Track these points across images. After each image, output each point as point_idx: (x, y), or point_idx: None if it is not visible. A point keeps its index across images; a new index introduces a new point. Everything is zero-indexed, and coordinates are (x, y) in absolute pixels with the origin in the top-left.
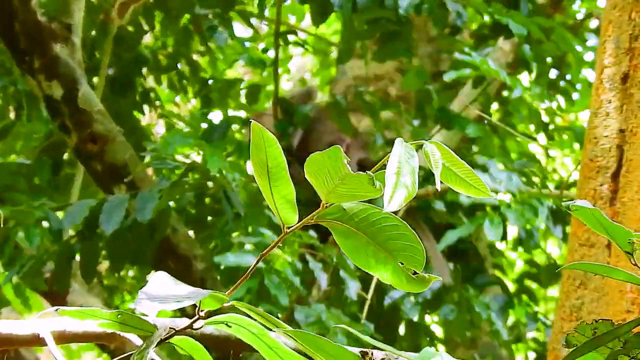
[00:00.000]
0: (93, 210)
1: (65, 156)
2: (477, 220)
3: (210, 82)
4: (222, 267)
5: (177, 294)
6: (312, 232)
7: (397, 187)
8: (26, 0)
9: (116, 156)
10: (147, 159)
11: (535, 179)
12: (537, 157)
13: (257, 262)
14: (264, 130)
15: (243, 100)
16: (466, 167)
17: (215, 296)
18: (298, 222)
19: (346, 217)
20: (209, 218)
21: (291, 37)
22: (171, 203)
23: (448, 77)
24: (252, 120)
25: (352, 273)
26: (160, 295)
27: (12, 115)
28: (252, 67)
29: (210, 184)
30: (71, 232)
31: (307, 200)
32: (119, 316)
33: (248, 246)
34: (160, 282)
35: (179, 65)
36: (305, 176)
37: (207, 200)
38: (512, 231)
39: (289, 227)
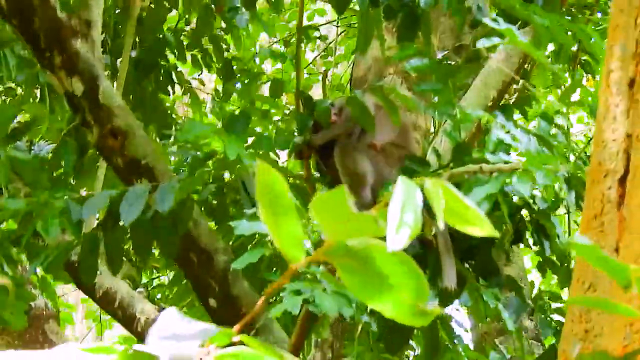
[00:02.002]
0: (113, 201)
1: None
2: (504, 177)
3: (233, 65)
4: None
5: (187, 333)
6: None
7: (400, 226)
8: None
9: (137, 150)
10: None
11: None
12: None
13: (265, 300)
14: (270, 169)
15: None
16: (469, 205)
17: (224, 333)
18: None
19: (351, 253)
20: (230, 210)
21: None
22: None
23: (481, 44)
24: (260, 161)
25: None
26: (170, 334)
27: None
28: (273, 60)
29: (228, 174)
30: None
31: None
32: (131, 352)
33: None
34: (169, 320)
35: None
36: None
37: (227, 191)
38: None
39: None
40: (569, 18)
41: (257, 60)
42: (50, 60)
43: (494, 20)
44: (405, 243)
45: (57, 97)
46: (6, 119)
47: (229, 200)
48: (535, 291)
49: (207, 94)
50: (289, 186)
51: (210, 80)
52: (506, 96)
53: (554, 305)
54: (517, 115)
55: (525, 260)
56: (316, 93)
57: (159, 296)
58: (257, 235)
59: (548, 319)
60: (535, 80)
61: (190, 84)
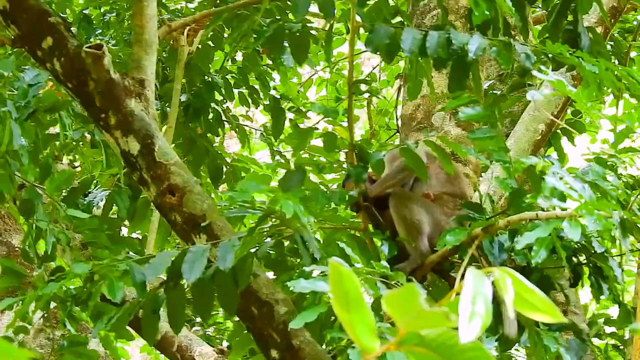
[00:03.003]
0: (176, 260)
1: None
2: (555, 222)
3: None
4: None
5: None
6: (384, 263)
7: (472, 317)
8: (99, 58)
9: (194, 206)
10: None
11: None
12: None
13: None
14: (341, 267)
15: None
16: (536, 292)
17: None
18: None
19: (424, 343)
20: (289, 259)
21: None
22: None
23: (531, 96)
24: (333, 262)
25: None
26: None
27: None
28: (326, 116)
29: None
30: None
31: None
32: None
33: (316, 273)
34: None
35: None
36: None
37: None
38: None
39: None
40: (612, 43)
41: (310, 112)
42: (106, 120)
43: (542, 71)
44: (478, 334)
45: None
46: (66, 180)
47: (286, 250)
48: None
49: (256, 129)
50: (347, 237)
51: (257, 114)
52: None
53: (608, 329)
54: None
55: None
56: (361, 118)
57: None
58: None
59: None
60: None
61: (237, 119)
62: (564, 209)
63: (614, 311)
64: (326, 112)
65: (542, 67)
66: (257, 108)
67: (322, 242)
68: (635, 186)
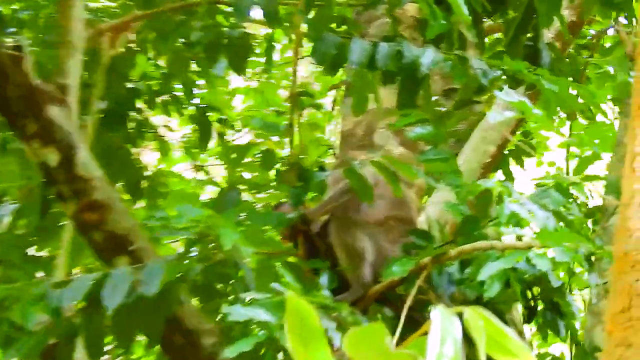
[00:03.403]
0: (95, 284)
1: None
2: (520, 252)
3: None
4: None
5: None
6: (326, 292)
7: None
8: (18, 61)
9: (117, 225)
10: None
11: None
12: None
13: None
14: (298, 299)
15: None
16: (509, 335)
17: None
18: None
19: None
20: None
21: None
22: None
23: (493, 118)
24: (290, 294)
25: None
26: None
27: None
28: (265, 131)
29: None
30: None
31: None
32: None
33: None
34: None
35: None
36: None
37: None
38: None
39: None
40: (567, 60)
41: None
42: (23, 128)
43: (501, 89)
44: None
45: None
46: None
47: (215, 276)
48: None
49: (177, 141)
50: (282, 265)
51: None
52: None
53: None
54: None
55: None
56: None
57: None
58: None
59: None
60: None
61: (156, 129)
62: (519, 238)
63: (555, 349)
64: (265, 127)
65: (503, 86)
66: (180, 117)
67: (255, 269)
68: (590, 215)
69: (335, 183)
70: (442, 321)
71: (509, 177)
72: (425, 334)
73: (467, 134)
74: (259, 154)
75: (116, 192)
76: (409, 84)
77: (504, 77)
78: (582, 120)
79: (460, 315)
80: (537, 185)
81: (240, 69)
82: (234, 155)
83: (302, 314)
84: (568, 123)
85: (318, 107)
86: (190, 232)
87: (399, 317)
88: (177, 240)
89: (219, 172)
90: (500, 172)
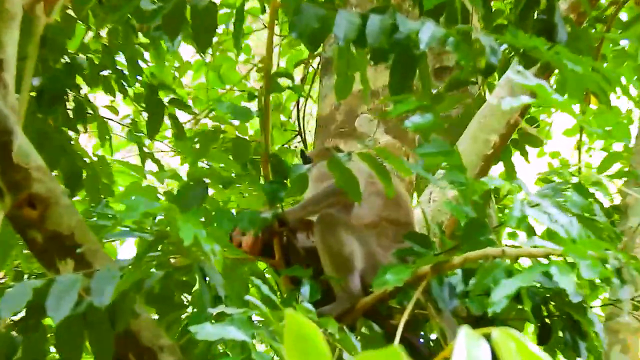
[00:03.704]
0: (38, 293)
1: None
2: (540, 267)
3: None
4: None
5: None
6: (309, 305)
7: None
8: None
9: (61, 223)
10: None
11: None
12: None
13: None
14: (300, 318)
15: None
16: (540, 356)
17: None
18: None
19: None
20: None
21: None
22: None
23: (508, 104)
24: (287, 312)
25: (356, 351)
26: None
27: None
28: (235, 118)
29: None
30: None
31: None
32: None
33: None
34: None
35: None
36: None
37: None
38: None
39: None
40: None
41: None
42: None
43: (519, 72)
44: None
45: None
46: None
47: (174, 284)
48: None
49: (123, 124)
50: (255, 275)
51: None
52: None
53: None
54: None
55: None
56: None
57: None
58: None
59: None
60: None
61: (98, 110)
62: (536, 246)
63: None
64: (235, 113)
65: (518, 67)
66: (125, 97)
67: (223, 275)
68: (608, 216)
69: (319, 179)
70: (467, 344)
71: (511, 171)
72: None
73: (462, 120)
74: (228, 142)
75: (59, 185)
76: (403, 63)
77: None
78: (592, 106)
79: (487, 337)
80: (542, 180)
81: (205, 45)
82: (197, 144)
83: (305, 335)
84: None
85: (298, 90)
86: (148, 232)
87: (389, 335)
88: (114, 240)
89: (169, 161)
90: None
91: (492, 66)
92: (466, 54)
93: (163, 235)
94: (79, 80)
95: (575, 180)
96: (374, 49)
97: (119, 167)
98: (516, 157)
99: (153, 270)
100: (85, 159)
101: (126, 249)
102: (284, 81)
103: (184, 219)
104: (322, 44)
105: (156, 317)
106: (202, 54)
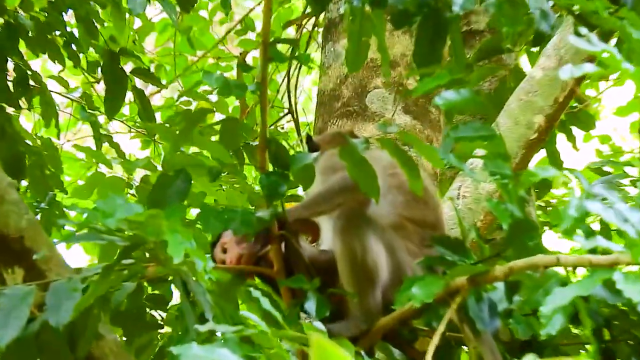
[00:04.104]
0: None
1: None
2: (601, 273)
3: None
4: None
5: None
6: (319, 325)
7: None
8: None
9: (7, 223)
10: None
11: None
12: None
13: None
14: (326, 344)
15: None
16: None
17: None
18: None
19: None
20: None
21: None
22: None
23: (567, 73)
24: (313, 337)
25: None
26: None
27: None
28: (226, 94)
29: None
30: None
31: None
32: None
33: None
34: None
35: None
36: None
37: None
38: None
39: None
40: None
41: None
42: None
43: (582, 36)
44: None
45: None
46: None
47: (145, 298)
48: None
49: (74, 100)
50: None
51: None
52: None
53: None
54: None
55: None
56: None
57: None
58: None
59: None
60: None
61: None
62: (600, 250)
63: None
64: (226, 87)
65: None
66: (76, 66)
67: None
68: None
69: (327, 170)
70: None
71: (556, 160)
72: None
73: (496, 98)
74: (215, 124)
75: (5, 175)
76: (431, 28)
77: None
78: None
79: None
80: (593, 171)
81: (188, 5)
82: (178, 125)
83: None
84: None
85: (306, 60)
86: (121, 237)
87: None
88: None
89: (126, 145)
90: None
91: (542, 34)
92: (512, 18)
93: (139, 242)
94: (21, 45)
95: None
96: (396, 11)
97: (67, 152)
98: (559, 142)
99: (122, 282)
100: (27, 141)
101: (72, 255)
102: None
103: (170, 228)
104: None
105: (124, 339)
106: (179, 13)
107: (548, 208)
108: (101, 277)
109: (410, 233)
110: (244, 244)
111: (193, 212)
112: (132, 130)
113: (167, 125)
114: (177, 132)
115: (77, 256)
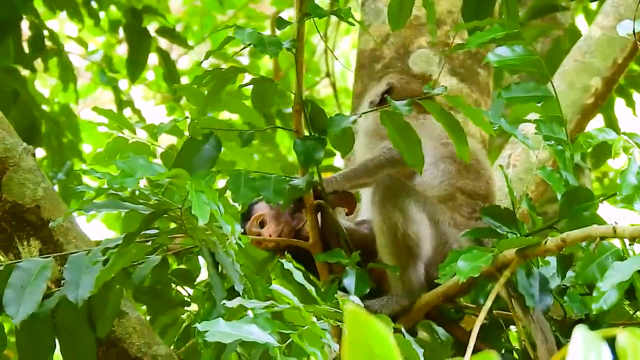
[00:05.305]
0: None
1: None
2: None
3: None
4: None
5: None
6: (356, 300)
7: None
8: None
9: (22, 192)
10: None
11: None
12: None
13: None
14: (364, 316)
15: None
16: None
17: None
18: None
19: None
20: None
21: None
22: None
23: (625, 29)
24: (348, 309)
25: None
26: None
27: None
28: (262, 51)
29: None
30: None
31: None
32: None
33: (250, 313)
34: None
35: None
36: None
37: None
38: None
39: None
40: None
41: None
42: None
43: None
44: None
45: None
46: None
47: (170, 272)
48: None
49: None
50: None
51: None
52: None
53: None
54: None
55: None
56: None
57: None
58: None
59: None
60: None
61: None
62: None
63: None
64: (260, 43)
65: None
66: (96, 25)
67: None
68: None
69: (368, 135)
70: (585, 347)
71: (614, 126)
72: None
73: (550, 59)
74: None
75: (20, 141)
76: None
77: None
78: None
79: (610, 341)
80: None
81: None
82: (206, 86)
83: (372, 340)
84: None
85: (347, 15)
86: (142, 204)
87: (458, 343)
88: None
89: (150, 114)
90: None
91: None
92: None
93: (164, 209)
94: (37, 2)
95: None
96: None
97: (86, 120)
98: (617, 107)
99: (145, 254)
100: (43, 106)
101: (92, 229)
102: None
103: (196, 188)
104: None
105: (147, 317)
106: None
107: (604, 179)
108: (122, 247)
109: (460, 204)
110: (282, 219)
111: (220, 185)
112: (156, 96)
113: (195, 86)
114: (206, 92)
115: (98, 233)
